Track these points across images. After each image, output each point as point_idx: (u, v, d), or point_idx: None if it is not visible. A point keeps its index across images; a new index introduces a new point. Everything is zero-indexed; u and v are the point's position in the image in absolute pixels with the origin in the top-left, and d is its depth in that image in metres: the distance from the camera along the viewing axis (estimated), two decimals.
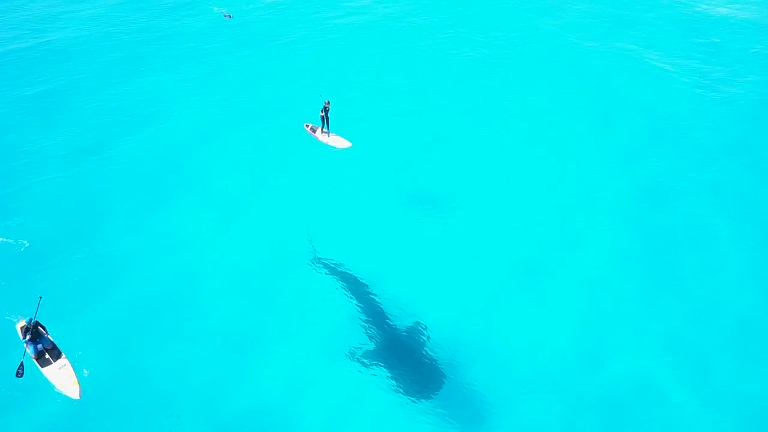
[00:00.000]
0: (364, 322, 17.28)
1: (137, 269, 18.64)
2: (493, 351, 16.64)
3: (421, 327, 17.19)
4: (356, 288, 18.39)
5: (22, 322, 15.34)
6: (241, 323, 17.15)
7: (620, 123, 27.30)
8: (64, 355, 14.81)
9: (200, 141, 25.11)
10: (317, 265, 19.30)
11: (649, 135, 26.35)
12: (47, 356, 14.75)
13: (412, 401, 15.12)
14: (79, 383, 14.20)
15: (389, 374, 15.77)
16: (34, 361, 14.71)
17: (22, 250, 18.96)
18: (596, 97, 29.28)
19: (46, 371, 14.53)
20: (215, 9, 37.10)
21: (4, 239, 19.48)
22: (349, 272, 19.05)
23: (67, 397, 14.08)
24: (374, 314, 17.52)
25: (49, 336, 15.00)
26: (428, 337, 16.86)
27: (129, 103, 27.39)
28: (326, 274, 18.95)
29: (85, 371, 14.94)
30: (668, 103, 28.81)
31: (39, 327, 14.84)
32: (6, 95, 27.50)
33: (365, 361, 16.07)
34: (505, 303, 18.11)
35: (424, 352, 16.43)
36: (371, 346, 16.56)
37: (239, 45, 33.42)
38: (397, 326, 17.18)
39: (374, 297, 18.07)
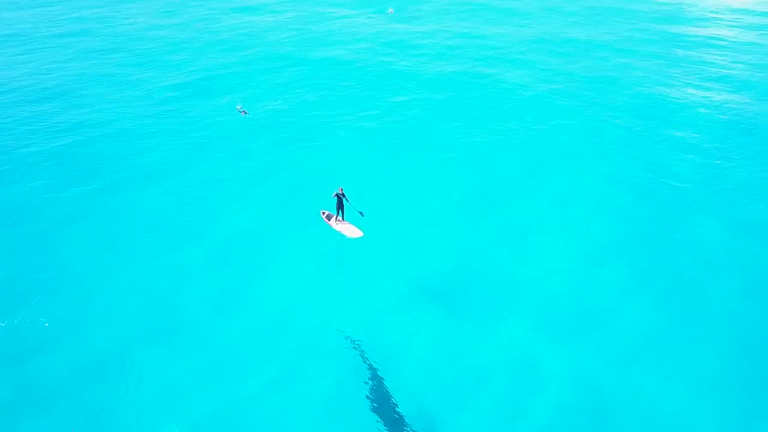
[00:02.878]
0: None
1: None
2: None
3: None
4: (366, 387, 16.91)
5: None
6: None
7: None
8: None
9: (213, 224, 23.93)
10: (324, 353, 17.87)
11: None
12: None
13: None
14: None
15: None
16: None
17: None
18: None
19: None
20: (237, 107, 35.54)
21: None
22: (356, 363, 17.66)
23: None
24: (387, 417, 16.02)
25: None
26: None
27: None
28: (333, 360, 17.57)
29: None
30: None
31: None
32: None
33: None
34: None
35: None
36: None
37: (257, 137, 31.92)
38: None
39: (384, 399, 16.50)
